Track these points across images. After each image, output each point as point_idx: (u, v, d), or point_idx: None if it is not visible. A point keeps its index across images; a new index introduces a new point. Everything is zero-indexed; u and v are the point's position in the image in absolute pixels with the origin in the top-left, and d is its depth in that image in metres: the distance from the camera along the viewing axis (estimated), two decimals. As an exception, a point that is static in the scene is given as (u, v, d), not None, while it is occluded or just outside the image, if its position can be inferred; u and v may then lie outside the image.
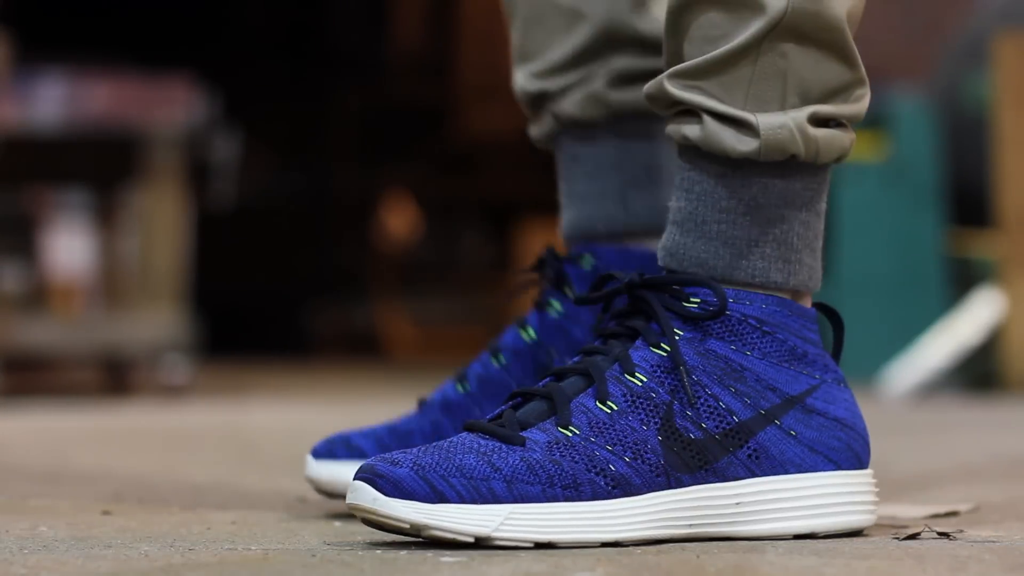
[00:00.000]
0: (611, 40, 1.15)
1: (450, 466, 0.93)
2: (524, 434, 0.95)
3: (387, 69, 7.17)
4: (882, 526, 1.06)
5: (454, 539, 0.92)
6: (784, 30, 0.98)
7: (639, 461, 0.95)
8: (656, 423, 0.96)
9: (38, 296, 3.54)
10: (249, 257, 7.17)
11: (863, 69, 1.02)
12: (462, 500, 0.92)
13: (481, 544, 0.92)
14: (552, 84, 1.17)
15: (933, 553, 0.92)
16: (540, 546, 0.92)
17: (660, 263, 1.03)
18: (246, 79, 6.73)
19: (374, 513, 0.92)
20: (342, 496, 1.14)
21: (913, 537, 0.99)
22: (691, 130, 1.00)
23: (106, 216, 3.61)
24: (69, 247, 3.58)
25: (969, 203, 3.87)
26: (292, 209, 7.39)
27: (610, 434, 0.96)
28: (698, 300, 0.99)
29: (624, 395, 0.97)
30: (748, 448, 0.98)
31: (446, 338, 6.33)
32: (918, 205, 3.96)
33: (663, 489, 0.96)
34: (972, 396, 3.23)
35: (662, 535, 0.96)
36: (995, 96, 3.39)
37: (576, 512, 0.94)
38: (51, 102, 3.36)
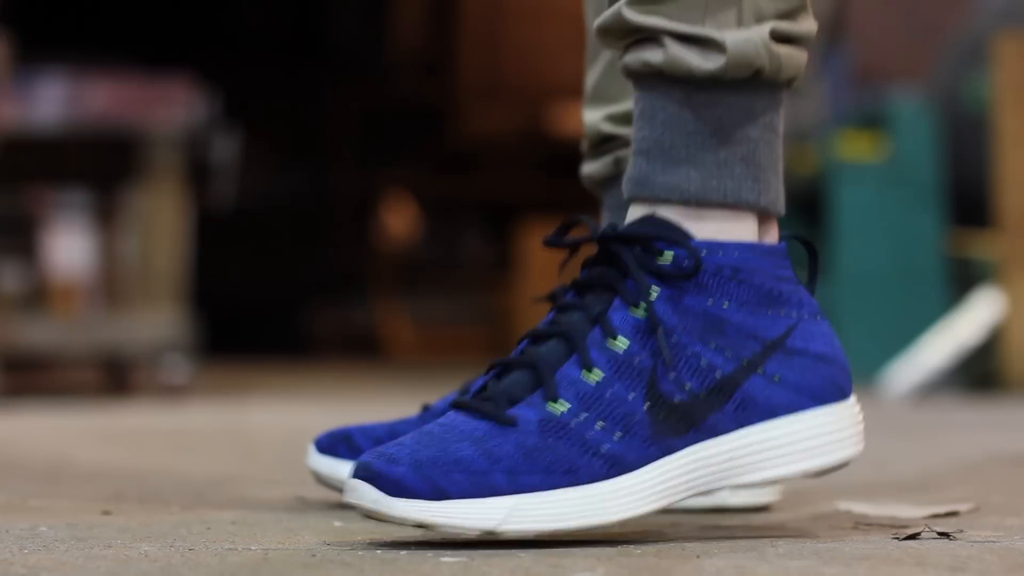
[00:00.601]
0: None
1: (448, 460, 0.92)
2: (513, 411, 0.95)
3: (387, 69, 7.17)
4: (882, 526, 1.06)
5: (460, 535, 0.92)
6: None
7: (629, 435, 0.95)
8: (642, 389, 0.96)
9: (38, 296, 3.54)
10: (249, 257, 7.18)
11: None
12: (465, 495, 0.92)
13: (488, 538, 0.92)
14: (627, 131, 1.19)
15: (933, 553, 0.92)
16: (548, 535, 0.93)
17: (627, 195, 1.01)
18: (246, 79, 6.73)
19: (378, 514, 0.92)
20: (338, 490, 1.16)
21: (913, 537, 0.99)
22: (653, 55, 0.99)
23: (106, 216, 3.61)
24: (69, 247, 3.58)
25: (969, 203, 3.87)
26: (292, 209, 7.39)
27: (599, 407, 0.95)
28: (671, 254, 0.98)
29: (608, 361, 0.96)
30: (734, 401, 0.97)
31: (446, 338, 6.33)
32: (918, 205, 3.96)
33: (656, 459, 0.95)
34: (972, 396, 3.23)
35: (663, 505, 0.96)
36: (995, 96, 3.39)
37: (577, 497, 0.93)
38: (51, 102, 3.36)
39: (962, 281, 3.82)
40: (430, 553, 0.91)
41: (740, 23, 0.99)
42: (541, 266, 5.49)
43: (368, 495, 0.92)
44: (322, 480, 1.18)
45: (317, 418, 2.55)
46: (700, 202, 0.99)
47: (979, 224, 3.79)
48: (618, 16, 1.00)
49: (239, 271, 7.03)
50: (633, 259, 0.98)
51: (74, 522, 1.07)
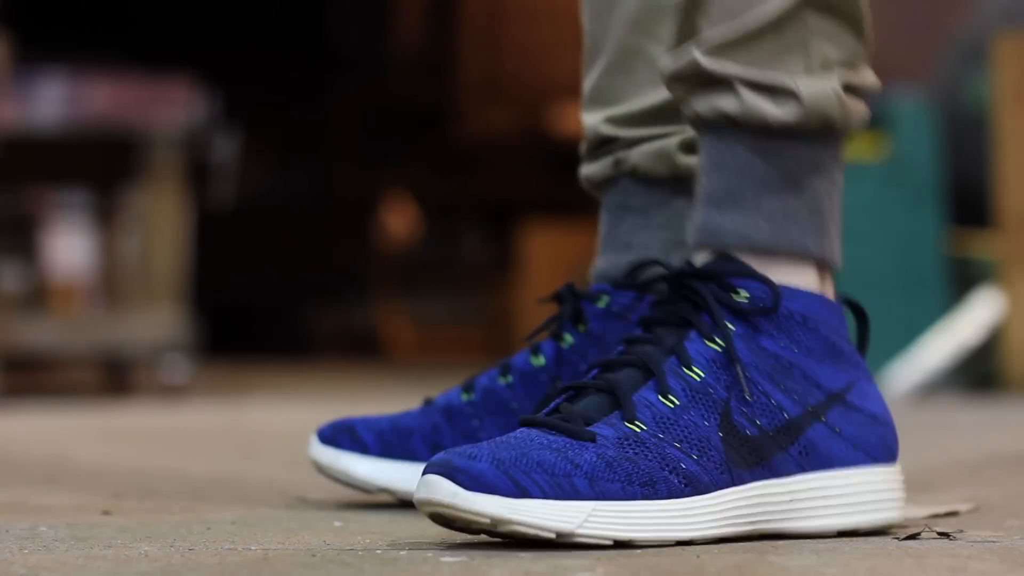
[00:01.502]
0: None
1: (530, 461, 0.91)
2: (591, 429, 0.95)
3: (387, 69, 7.17)
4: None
5: (536, 535, 0.91)
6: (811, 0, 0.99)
7: (705, 459, 0.96)
8: (716, 419, 0.97)
9: (38, 296, 3.54)
10: (249, 257, 7.18)
11: (870, 41, 1.03)
12: (545, 496, 0.91)
13: (561, 540, 0.91)
14: (627, 133, 1.20)
15: (933, 553, 0.92)
16: (619, 544, 0.92)
17: (694, 243, 1.03)
18: (246, 79, 6.73)
19: (452, 507, 0.90)
20: (339, 481, 1.16)
21: (913, 537, 0.99)
22: (727, 103, 1.00)
23: (106, 216, 3.62)
24: (69, 247, 3.58)
25: (969, 203, 3.87)
26: (292, 209, 7.39)
27: (675, 430, 0.96)
28: (747, 294, 0.99)
29: (683, 389, 0.97)
30: (798, 444, 0.99)
31: (446, 338, 6.33)
32: (918, 205, 3.95)
33: (727, 486, 0.96)
34: (972, 396, 3.23)
35: (727, 533, 0.97)
36: (995, 96, 3.39)
37: (654, 510, 0.94)
38: (51, 102, 3.36)
39: (962, 281, 3.82)
40: (430, 553, 0.91)
41: (808, 70, 1.00)
42: (541, 266, 5.49)
43: (445, 488, 0.90)
44: (322, 470, 1.18)
45: (317, 418, 2.54)
46: (767, 251, 1.01)
47: (979, 224, 3.79)
48: (692, 62, 1.01)
49: (239, 271, 7.02)
50: (710, 294, 0.99)
51: (74, 522, 1.07)
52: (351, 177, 7.32)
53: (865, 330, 1.05)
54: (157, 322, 3.37)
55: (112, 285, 3.59)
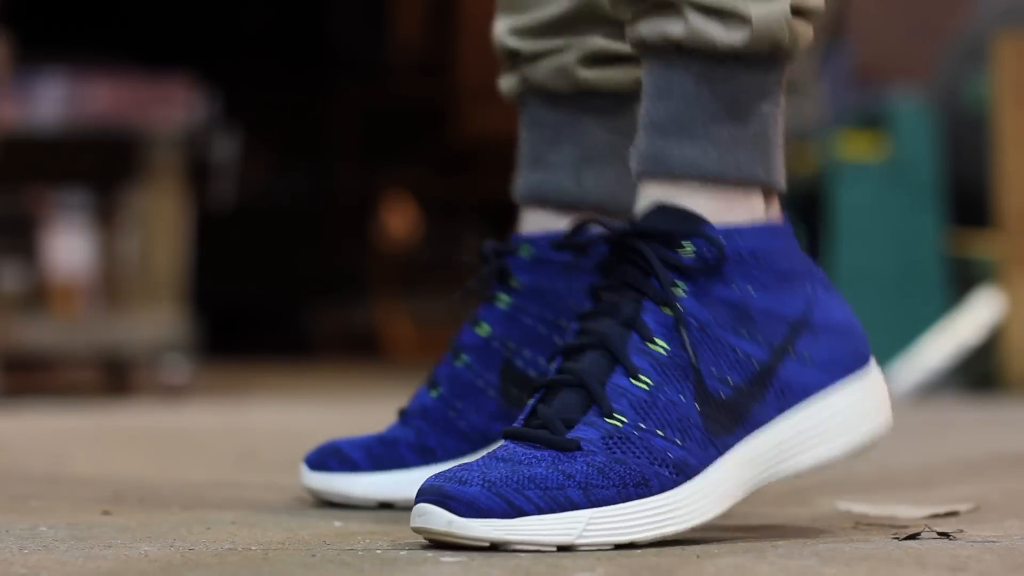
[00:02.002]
0: (589, 15, 1.16)
1: (521, 478, 0.91)
2: (574, 434, 0.94)
3: (387, 69, 7.17)
4: (882, 526, 1.06)
5: (537, 551, 0.91)
6: None
7: (688, 440, 0.94)
8: (691, 390, 0.95)
9: (38, 296, 3.55)
10: (249, 257, 7.17)
11: None
12: (540, 511, 0.91)
13: (563, 551, 0.91)
14: (527, 46, 1.18)
15: (933, 553, 0.92)
16: (620, 547, 0.92)
17: (639, 169, 1.00)
18: (246, 79, 6.72)
19: (449, 536, 0.91)
20: (338, 503, 1.16)
21: (913, 537, 0.99)
22: (673, 27, 0.97)
23: (106, 216, 3.62)
24: (69, 247, 3.59)
25: (969, 203, 3.87)
26: (292, 209, 7.39)
27: (655, 414, 0.94)
28: (692, 248, 0.97)
29: (652, 366, 0.96)
30: (774, 389, 0.98)
31: (446, 338, 6.31)
32: (918, 205, 3.96)
33: (714, 460, 0.95)
34: (972, 396, 3.23)
35: (728, 506, 0.97)
36: (995, 96, 3.39)
37: (650, 508, 0.93)
38: (51, 102, 3.36)
39: (962, 281, 3.82)
40: (430, 553, 0.91)
41: None
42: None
43: (440, 518, 0.90)
44: (319, 496, 1.18)
45: (317, 418, 2.55)
46: (716, 179, 0.98)
47: (979, 224, 3.79)
48: None
49: (239, 271, 7.02)
50: (655, 256, 0.97)
51: (74, 522, 1.07)
52: (351, 177, 7.32)
53: (814, 238, 1.03)
54: (157, 322, 3.37)
55: (112, 285, 3.59)
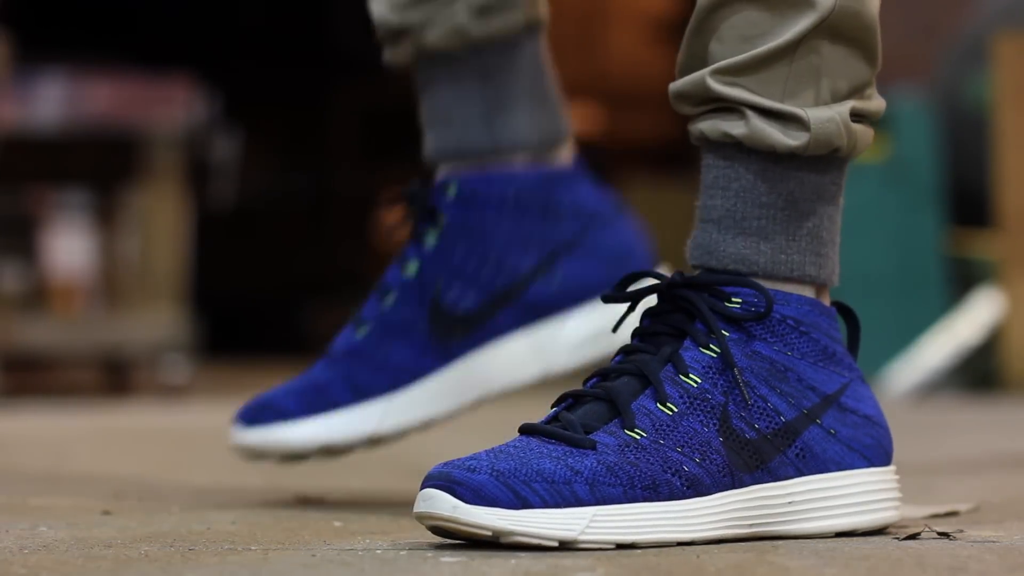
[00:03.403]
0: None
1: (529, 471, 0.92)
2: (591, 436, 0.95)
3: (387, 69, 7.16)
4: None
5: (538, 544, 0.91)
6: (826, 27, 1.00)
7: (707, 462, 0.96)
8: (715, 424, 0.98)
9: (38, 296, 3.54)
10: (249, 257, 7.17)
11: (879, 66, 1.04)
12: (546, 505, 0.92)
13: (564, 548, 0.92)
14: (414, 17, 1.20)
15: (933, 553, 0.92)
16: (621, 547, 0.93)
17: (694, 261, 1.03)
18: (246, 79, 6.72)
19: (454, 521, 0.91)
20: (277, 457, 1.16)
21: (913, 537, 0.99)
22: (734, 127, 1.00)
23: (106, 216, 3.61)
24: (69, 247, 3.58)
25: (969, 203, 3.87)
26: (292, 209, 7.39)
27: (675, 436, 0.96)
28: (739, 300, 1.00)
29: (681, 396, 0.98)
30: (795, 447, 1.00)
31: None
32: (918, 205, 3.95)
33: (729, 489, 0.97)
34: (972, 396, 3.22)
35: (727, 535, 0.97)
36: (995, 96, 3.39)
37: (655, 512, 0.94)
38: (51, 102, 3.36)
39: (962, 281, 3.82)
40: (430, 553, 0.91)
41: (817, 99, 1.01)
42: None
43: (445, 503, 0.91)
44: (257, 453, 1.17)
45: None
46: (767, 275, 1.02)
47: (979, 224, 3.79)
48: (701, 84, 1.01)
49: (239, 271, 7.02)
50: (703, 302, 1.00)
51: (74, 522, 1.07)
52: (351, 177, 7.32)
53: (856, 334, 1.06)
54: (157, 322, 3.37)
55: (112, 285, 3.59)
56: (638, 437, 0.95)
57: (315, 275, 7.21)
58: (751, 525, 0.99)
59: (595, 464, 0.93)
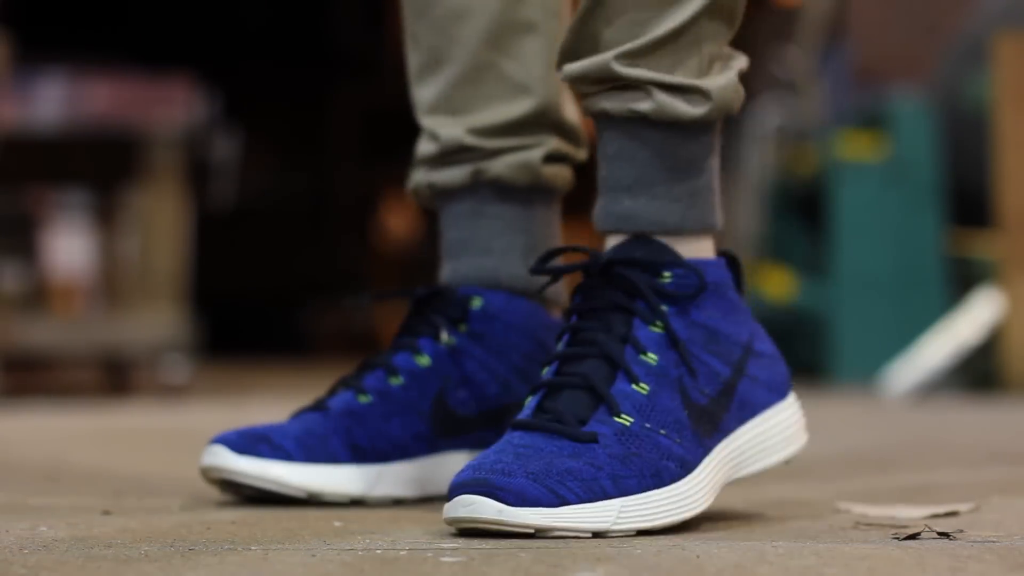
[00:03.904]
0: (547, 119, 1.26)
1: (560, 471, 0.99)
2: (588, 428, 1.02)
3: (387, 69, 7.17)
4: (882, 526, 1.06)
5: (575, 536, 0.98)
6: (710, 6, 1.08)
7: (684, 440, 1.04)
8: (679, 398, 1.06)
9: (38, 296, 3.55)
10: (249, 257, 7.18)
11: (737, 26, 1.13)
12: (580, 500, 0.98)
13: (597, 537, 0.98)
14: (489, 144, 1.25)
15: (933, 553, 0.92)
16: (641, 533, 1.00)
17: (609, 227, 1.10)
18: (246, 79, 6.73)
19: (498, 524, 0.97)
20: (262, 489, 1.18)
21: (913, 537, 0.99)
22: (640, 104, 1.08)
23: (106, 216, 3.62)
24: (69, 247, 3.59)
25: (969, 203, 3.88)
26: (292, 209, 7.39)
27: (656, 417, 1.04)
28: (670, 275, 1.08)
29: (648, 374, 1.05)
30: (735, 402, 1.09)
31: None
32: (918, 205, 3.96)
33: (704, 458, 1.06)
34: (972, 396, 3.23)
35: (711, 500, 1.06)
36: (995, 96, 3.39)
37: (666, 497, 1.02)
38: (51, 102, 3.36)
39: (962, 281, 3.82)
40: (430, 553, 0.92)
41: (700, 69, 1.09)
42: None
43: (490, 508, 0.97)
44: (244, 480, 1.18)
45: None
46: (677, 231, 1.10)
47: (979, 224, 3.79)
48: (605, 68, 1.08)
49: (239, 271, 7.03)
50: (643, 282, 1.07)
51: (74, 522, 1.07)
52: (351, 177, 7.33)
53: (742, 276, 1.13)
54: (157, 322, 3.37)
55: (112, 285, 3.59)
56: (627, 423, 1.03)
57: (315, 275, 7.22)
58: (721, 481, 1.08)
59: (607, 458, 1.00)
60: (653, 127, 1.09)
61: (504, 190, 1.26)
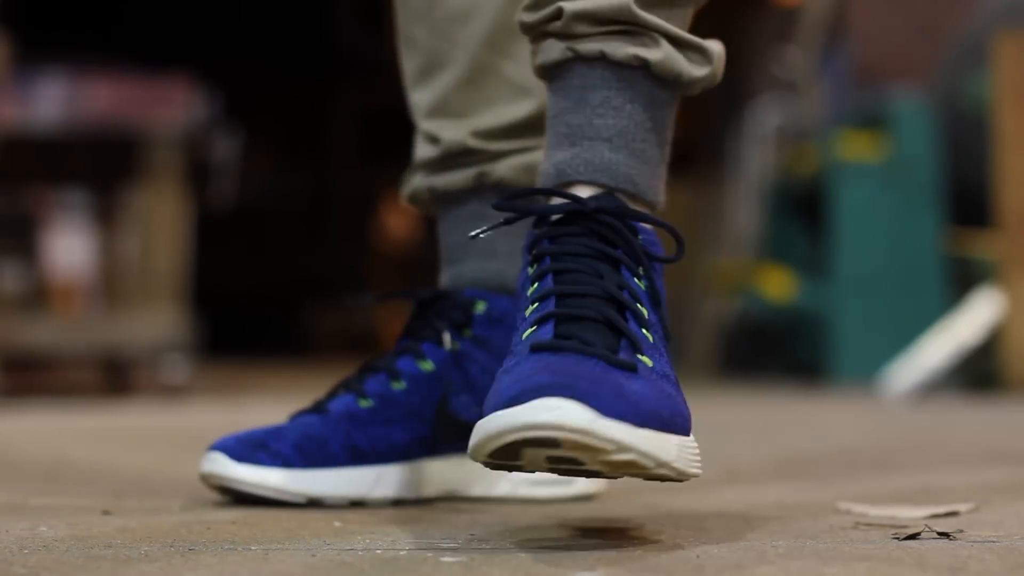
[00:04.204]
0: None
1: (631, 392, 0.89)
2: (623, 357, 0.93)
3: (387, 69, 7.18)
4: (882, 526, 1.06)
5: (643, 463, 0.88)
6: None
7: (681, 394, 0.97)
8: (667, 356, 0.98)
9: (38, 296, 3.55)
10: (249, 257, 7.18)
11: None
12: (655, 428, 0.89)
13: (660, 466, 0.89)
14: (492, 146, 1.24)
15: (933, 553, 0.92)
16: (683, 476, 0.92)
17: (581, 177, 1.04)
18: (246, 79, 6.73)
19: (585, 435, 0.85)
20: (262, 496, 1.17)
21: (913, 537, 0.99)
22: (650, 52, 1.04)
23: (106, 216, 3.62)
24: (69, 247, 3.59)
25: (969, 203, 3.88)
26: (292, 209, 7.39)
27: (662, 363, 0.96)
28: (642, 236, 1.02)
29: (646, 324, 0.98)
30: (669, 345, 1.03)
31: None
32: (918, 205, 3.96)
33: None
34: (972, 396, 3.23)
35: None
36: (995, 96, 3.39)
37: (692, 446, 0.94)
38: (51, 102, 3.36)
39: (962, 281, 3.82)
40: (430, 553, 0.92)
41: (683, 29, 1.06)
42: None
43: (580, 415, 0.85)
44: (242, 488, 1.18)
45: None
46: (635, 196, 1.05)
47: (979, 224, 3.79)
48: (624, 8, 1.03)
49: (239, 271, 7.03)
50: (631, 236, 1.01)
51: (74, 522, 1.07)
52: (351, 177, 7.32)
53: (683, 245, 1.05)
54: (157, 322, 3.37)
55: (112, 285, 3.59)
56: (649, 364, 0.95)
57: (315, 275, 7.22)
58: None
59: (656, 391, 0.91)
60: (649, 80, 1.04)
61: (505, 192, 1.25)
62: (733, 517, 1.13)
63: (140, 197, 3.46)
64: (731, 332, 5.04)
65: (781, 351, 4.49)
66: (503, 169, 1.24)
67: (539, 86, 1.22)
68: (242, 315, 6.73)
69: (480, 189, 1.25)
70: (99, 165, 3.52)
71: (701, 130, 6.18)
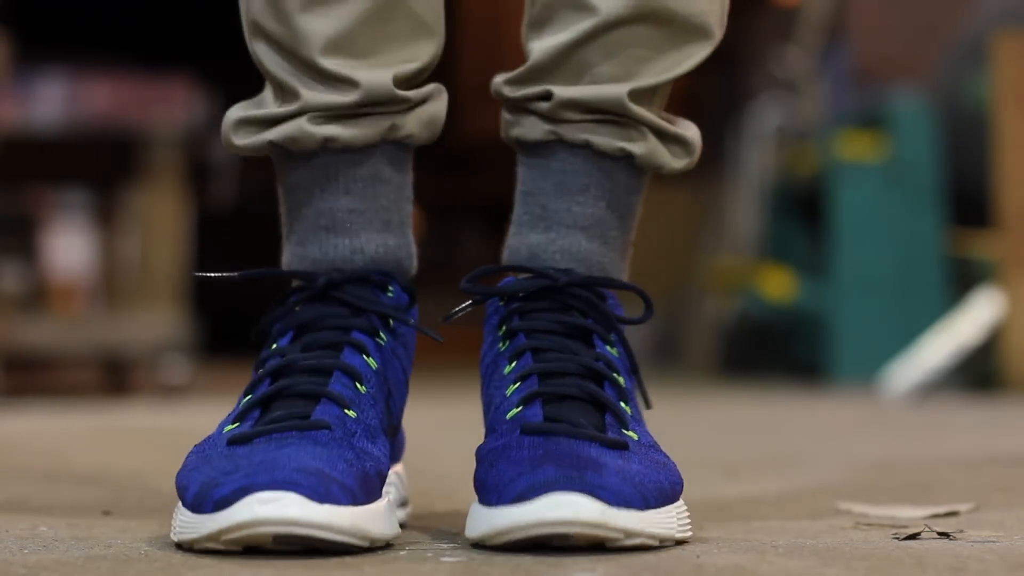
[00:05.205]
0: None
1: (633, 473, 0.91)
2: (613, 436, 0.96)
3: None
4: (882, 526, 1.06)
5: (650, 544, 0.91)
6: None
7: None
8: (644, 423, 1.01)
9: (38, 296, 3.55)
10: (249, 257, 7.17)
11: None
12: (656, 505, 0.92)
13: (662, 545, 0.93)
14: (410, 95, 1.09)
15: (933, 553, 0.92)
16: (679, 543, 0.95)
17: (559, 265, 1.05)
18: (246, 79, 6.72)
19: (597, 527, 0.87)
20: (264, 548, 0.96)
21: (913, 537, 0.99)
22: (636, 145, 1.04)
23: (106, 216, 3.62)
24: (69, 247, 3.59)
25: (969, 203, 3.88)
26: (292, 209, 7.39)
27: (646, 435, 0.98)
28: (609, 301, 1.04)
29: (626, 395, 1.00)
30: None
31: (445, 338, 6.32)
32: (918, 205, 3.96)
33: None
34: (972, 396, 3.23)
35: None
36: (995, 96, 3.39)
37: (683, 510, 0.96)
38: (51, 102, 3.36)
39: (962, 281, 3.82)
40: (430, 553, 0.92)
41: (661, 111, 1.05)
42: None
43: (590, 509, 0.87)
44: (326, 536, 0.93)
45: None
46: (605, 284, 1.04)
47: (979, 224, 3.79)
48: (617, 101, 1.03)
49: (239, 271, 7.03)
50: (602, 306, 1.03)
51: (74, 522, 1.07)
52: (351, 177, 7.31)
53: (651, 307, 1.06)
54: (157, 322, 3.37)
55: (112, 285, 3.59)
56: (636, 437, 0.97)
57: (315, 275, 7.22)
58: None
59: (650, 464, 0.94)
60: (630, 169, 1.05)
61: (405, 149, 1.12)
62: (733, 517, 1.13)
63: (140, 197, 3.46)
64: (731, 332, 5.04)
65: (781, 351, 4.49)
66: (412, 123, 1.09)
67: (440, 24, 1.08)
68: (242, 315, 6.74)
69: (380, 145, 1.10)
70: (99, 165, 3.52)
71: (701, 130, 6.18)
